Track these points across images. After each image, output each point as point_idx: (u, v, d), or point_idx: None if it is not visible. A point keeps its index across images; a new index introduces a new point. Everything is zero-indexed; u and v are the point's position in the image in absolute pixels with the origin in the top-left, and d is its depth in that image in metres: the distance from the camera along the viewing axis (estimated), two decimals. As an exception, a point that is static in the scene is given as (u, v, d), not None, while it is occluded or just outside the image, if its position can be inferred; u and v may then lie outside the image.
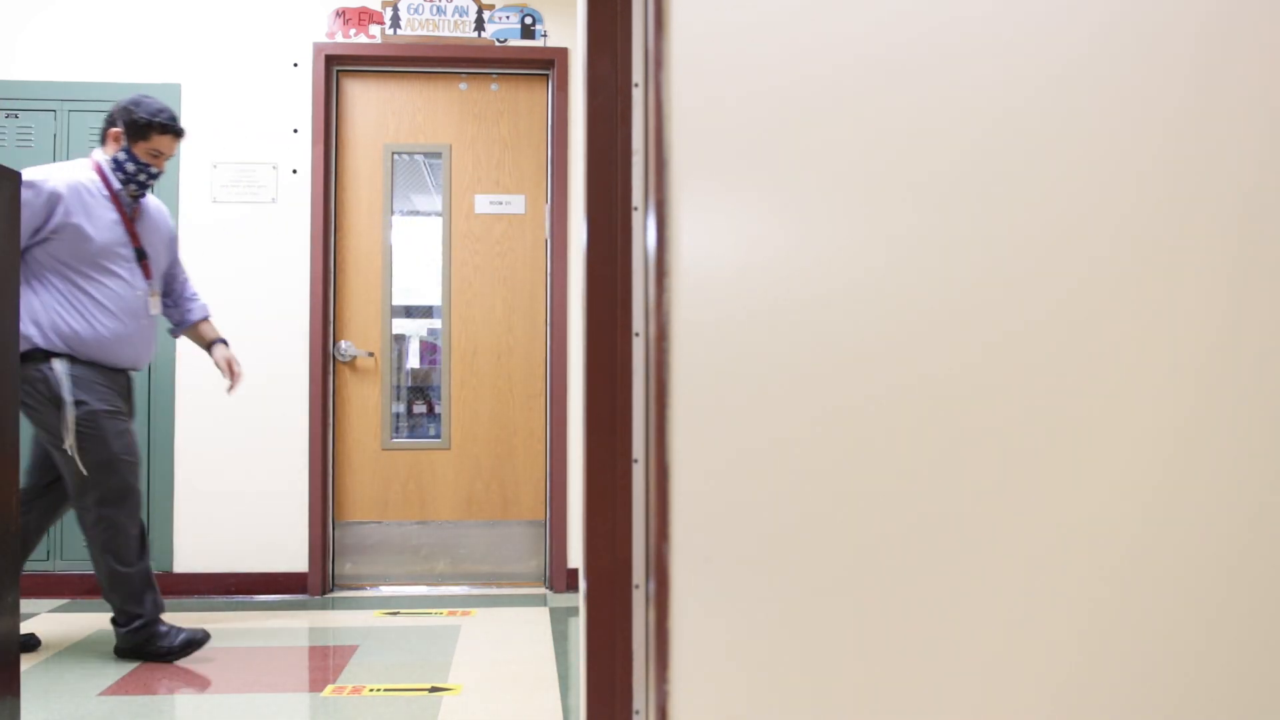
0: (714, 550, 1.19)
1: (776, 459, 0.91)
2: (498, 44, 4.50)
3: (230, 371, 3.64)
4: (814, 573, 0.81)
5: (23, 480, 3.41)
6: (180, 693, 3.06)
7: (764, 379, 0.94)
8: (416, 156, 4.65)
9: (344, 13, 4.44)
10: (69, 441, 3.21)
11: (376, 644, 3.57)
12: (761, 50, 0.95)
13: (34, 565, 4.14)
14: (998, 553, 0.54)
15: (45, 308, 3.26)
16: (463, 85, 4.59)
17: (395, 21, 4.46)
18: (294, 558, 4.36)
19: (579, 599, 1.90)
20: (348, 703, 2.91)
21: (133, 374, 3.48)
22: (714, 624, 1.19)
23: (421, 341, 4.73)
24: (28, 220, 3.21)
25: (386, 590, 4.47)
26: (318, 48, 4.42)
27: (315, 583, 4.36)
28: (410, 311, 4.68)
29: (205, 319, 3.70)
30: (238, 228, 4.35)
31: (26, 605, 3.81)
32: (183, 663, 3.30)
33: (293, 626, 3.89)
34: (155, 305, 3.47)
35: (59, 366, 3.24)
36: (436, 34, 4.48)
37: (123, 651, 3.32)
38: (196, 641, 3.33)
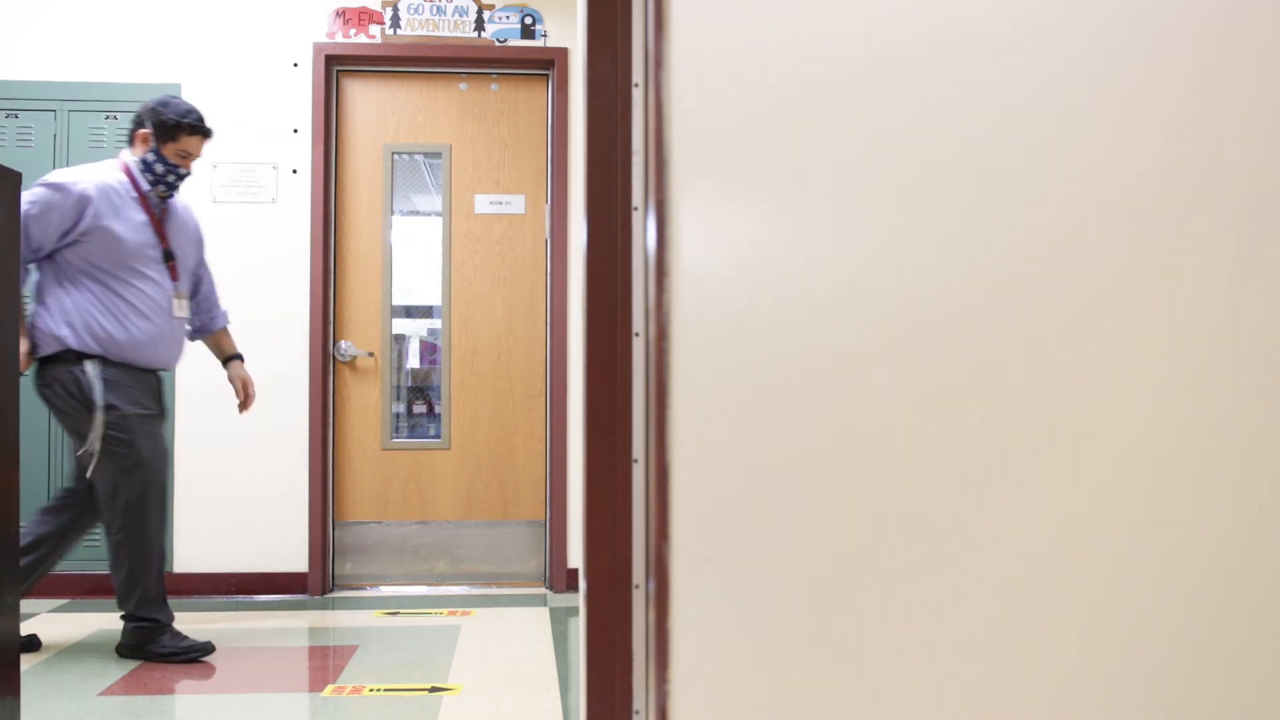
0: (714, 550, 1.19)
1: (777, 458, 0.91)
2: (498, 44, 4.50)
3: (245, 392, 3.65)
4: (814, 572, 0.81)
5: (69, 482, 3.42)
6: (180, 693, 3.06)
7: (764, 379, 0.94)
8: (416, 156, 4.65)
9: (344, 13, 4.44)
10: (93, 445, 3.22)
11: (376, 644, 3.57)
12: (761, 50, 0.95)
13: (34, 565, 4.14)
14: (998, 552, 0.54)
15: (79, 309, 3.25)
16: (463, 85, 4.59)
17: (395, 21, 4.46)
18: (294, 558, 4.36)
19: (579, 599, 1.90)
20: (348, 703, 2.91)
21: (163, 374, 3.48)
22: (714, 624, 1.19)
23: (421, 341, 4.73)
24: (57, 223, 3.21)
25: (386, 590, 4.47)
26: (318, 48, 4.42)
27: (315, 583, 4.36)
28: (410, 311, 4.68)
29: (225, 328, 3.70)
30: (238, 228, 4.35)
31: (26, 605, 3.81)
32: (183, 663, 3.30)
33: (293, 626, 3.89)
34: (181, 308, 3.44)
35: (91, 369, 3.24)
36: (436, 34, 4.48)
37: (125, 649, 3.32)
38: (200, 649, 3.33)
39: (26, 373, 3.28)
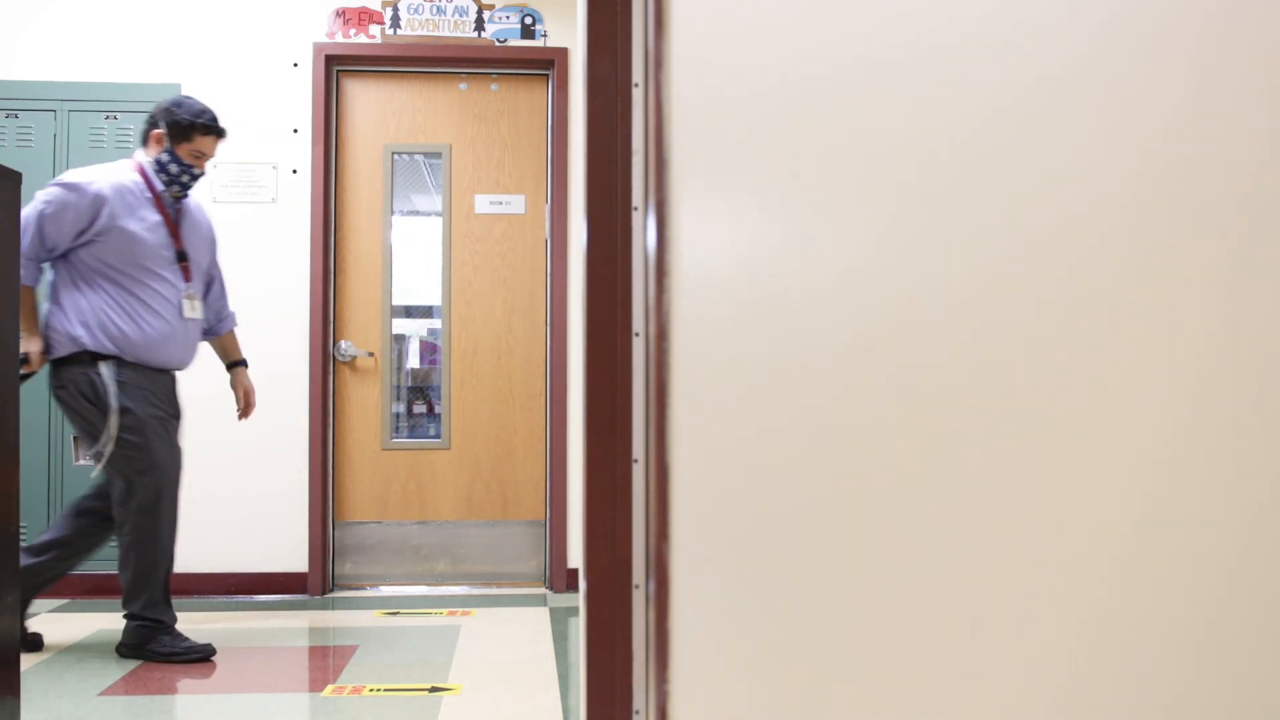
0: (714, 550, 1.19)
1: (776, 458, 0.91)
2: (498, 44, 4.50)
3: (245, 401, 3.65)
4: (814, 572, 0.81)
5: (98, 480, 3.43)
6: (180, 693, 3.06)
7: (765, 379, 0.94)
8: (416, 156, 4.65)
9: (344, 13, 4.44)
10: (104, 447, 3.22)
11: (376, 644, 3.57)
12: (761, 50, 0.95)
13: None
14: (997, 552, 0.54)
15: (94, 310, 3.25)
16: (463, 85, 4.59)
17: (395, 21, 4.46)
18: (294, 558, 4.36)
19: (579, 599, 1.90)
20: (348, 703, 2.91)
21: (177, 374, 3.48)
22: (714, 624, 1.19)
23: (421, 341, 4.73)
24: (72, 222, 3.21)
25: (386, 590, 4.47)
26: (318, 48, 4.42)
27: (315, 583, 4.36)
28: (410, 311, 4.68)
29: (232, 331, 3.70)
30: (238, 228, 4.35)
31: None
32: (183, 663, 3.30)
33: (293, 626, 3.89)
34: (195, 308, 3.44)
35: (106, 371, 3.24)
36: (436, 34, 4.48)
37: (125, 649, 3.32)
38: (200, 650, 3.32)
39: (39, 372, 3.28)
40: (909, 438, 0.64)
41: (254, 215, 4.38)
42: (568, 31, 4.49)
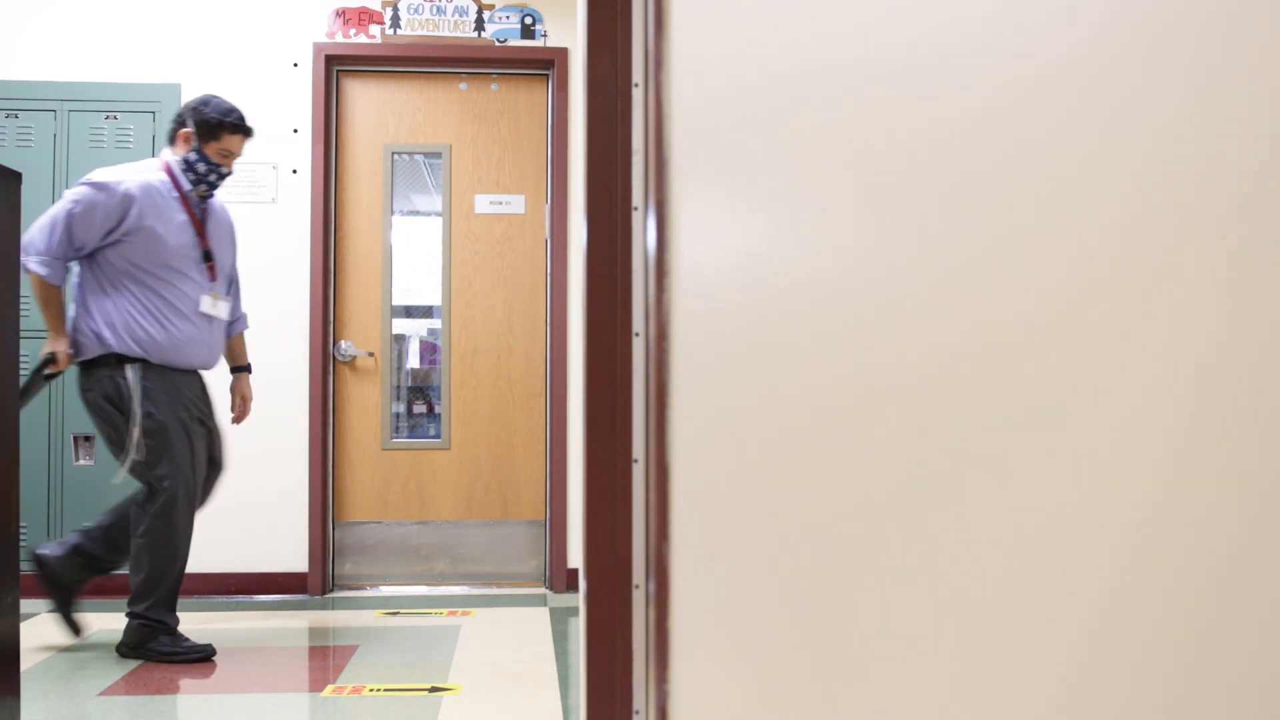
0: (714, 550, 1.19)
1: (777, 458, 0.91)
2: (498, 44, 4.50)
3: (242, 407, 3.65)
4: (814, 572, 0.81)
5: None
6: (180, 693, 3.06)
7: (764, 379, 0.94)
8: (416, 156, 4.65)
9: (344, 13, 4.44)
10: (131, 453, 3.22)
11: (376, 644, 3.57)
12: (761, 50, 0.95)
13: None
14: (997, 552, 0.54)
15: (120, 312, 3.24)
16: (463, 85, 4.59)
17: (395, 21, 4.46)
18: (294, 558, 4.36)
19: (579, 599, 1.90)
20: (348, 703, 2.91)
21: (204, 373, 3.47)
22: (714, 624, 1.19)
23: (421, 341, 4.73)
24: (100, 221, 3.21)
25: (386, 590, 4.47)
26: (318, 48, 4.42)
27: (315, 583, 4.36)
28: (410, 311, 4.68)
29: (241, 334, 3.70)
30: (238, 228, 4.35)
31: (27, 605, 3.81)
32: (183, 663, 3.30)
33: (293, 626, 3.89)
34: (220, 309, 3.43)
35: (131, 375, 3.23)
36: (436, 34, 4.48)
37: (125, 648, 3.32)
38: (200, 652, 3.32)
39: (64, 372, 3.29)
40: (909, 437, 0.64)
41: (254, 215, 4.37)
42: (568, 31, 4.49)
